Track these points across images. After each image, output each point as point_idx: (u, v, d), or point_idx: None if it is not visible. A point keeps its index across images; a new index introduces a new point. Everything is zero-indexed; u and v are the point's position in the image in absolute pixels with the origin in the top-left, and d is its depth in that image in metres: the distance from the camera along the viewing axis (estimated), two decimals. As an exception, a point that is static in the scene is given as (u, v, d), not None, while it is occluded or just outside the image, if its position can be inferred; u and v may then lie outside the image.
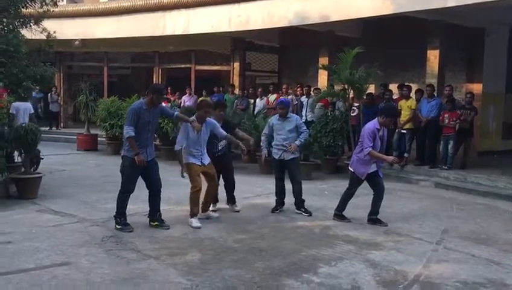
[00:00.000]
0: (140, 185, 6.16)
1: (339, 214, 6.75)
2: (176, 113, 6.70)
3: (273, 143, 7.22)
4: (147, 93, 6.17)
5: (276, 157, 7.16)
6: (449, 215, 7.27)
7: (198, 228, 6.23)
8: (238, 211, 7.21)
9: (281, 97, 12.87)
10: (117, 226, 6.03)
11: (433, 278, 4.74)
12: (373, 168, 6.53)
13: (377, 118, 6.55)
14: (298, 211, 7.09)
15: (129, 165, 5.99)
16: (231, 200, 7.33)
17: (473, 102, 10.35)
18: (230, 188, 7.32)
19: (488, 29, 11.76)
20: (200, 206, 6.63)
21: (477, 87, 11.90)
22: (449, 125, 9.83)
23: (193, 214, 6.41)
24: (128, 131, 5.87)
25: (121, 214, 6.06)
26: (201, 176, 6.59)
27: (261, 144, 7.39)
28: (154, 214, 6.24)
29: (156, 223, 6.20)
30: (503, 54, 12.18)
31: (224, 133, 6.80)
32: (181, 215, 6.72)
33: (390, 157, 6.83)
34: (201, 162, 6.56)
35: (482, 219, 7.16)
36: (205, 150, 6.66)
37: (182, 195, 6.80)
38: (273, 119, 7.31)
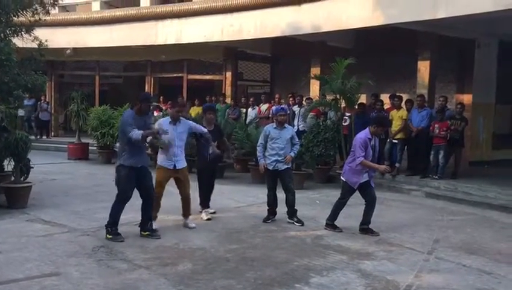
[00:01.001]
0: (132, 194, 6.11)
1: (331, 224, 6.75)
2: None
3: (266, 153, 7.18)
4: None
5: (270, 168, 7.12)
6: (440, 225, 7.30)
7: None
8: (214, 213, 7.42)
9: (275, 106, 12.94)
10: (108, 235, 5.97)
11: (425, 288, 4.75)
12: (365, 178, 6.55)
13: (368, 127, 6.59)
14: (290, 221, 7.09)
15: (125, 175, 5.95)
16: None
17: (463, 112, 10.43)
18: (210, 192, 7.51)
19: (478, 41, 11.89)
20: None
21: (467, 98, 12.01)
22: (439, 135, 9.90)
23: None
24: (137, 134, 5.74)
25: (112, 224, 6.01)
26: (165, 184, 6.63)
27: (258, 154, 7.31)
28: (146, 224, 6.19)
29: (147, 232, 6.16)
30: (493, 65, 12.31)
31: (204, 129, 6.85)
32: (172, 225, 6.70)
33: (382, 167, 6.86)
34: (174, 165, 6.52)
35: (473, 228, 7.19)
36: (182, 153, 6.62)
37: (173, 204, 6.78)
38: (269, 128, 7.25)
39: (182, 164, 6.61)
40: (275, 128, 7.17)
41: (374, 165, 6.53)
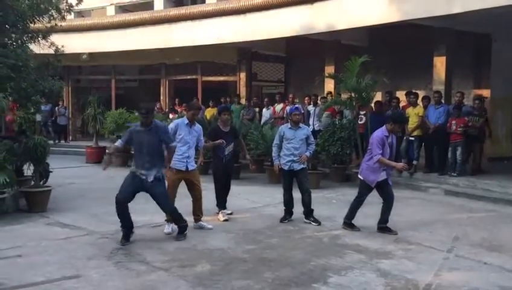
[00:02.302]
0: (147, 197, 6.14)
1: (348, 223, 6.71)
2: (173, 144, 6.26)
3: (281, 153, 7.18)
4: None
5: (286, 168, 7.11)
6: (460, 223, 7.20)
7: (169, 233, 6.38)
8: (230, 214, 7.44)
9: (289, 106, 12.89)
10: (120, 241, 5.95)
11: (445, 287, 4.69)
12: (383, 176, 6.49)
13: (385, 125, 6.53)
14: (307, 221, 7.07)
15: (126, 177, 6.04)
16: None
17: (481, 108, 10.28)
18: (226, 193, 7.54)
19: (495, 35, 11.73)
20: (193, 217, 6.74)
21: (485, 93, 11.84)
22: (456, 131, 9.77)
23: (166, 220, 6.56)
24: (115, 145, 6.09)
25: (122, 225, 5.97)
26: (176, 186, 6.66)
27: (273, 154, 7.31)
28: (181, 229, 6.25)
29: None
30: (510, 59, 12.11)
31: (203, 144, 6.94)
32: (189, 227, 6.71)
33: (400, 164, 6.79)
34: (186, 166, 6.56)
35: (493, 225, 7.08)
36: (193, 154, 6.70)
37: (189, 206, 6.79)
38: (284, 128, 7.25)
39: (193, 165, 6.68)
40: (289, 128, 7.16)
41: (391, 163, 6.48)
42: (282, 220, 7.13)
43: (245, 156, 8.12)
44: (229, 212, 7.49)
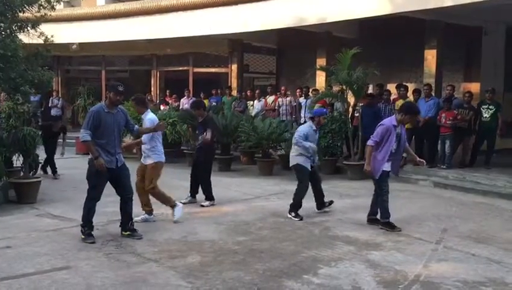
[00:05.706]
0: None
1: (387, 222, 6.41)
2: (136, 127, 6.24)
3: (303, 151, 6.99)
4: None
5: (309, 166, 7.08)
6: (448, 215, 7.27)
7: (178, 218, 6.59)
8: (212, 205, 7.56)
9: (288, 98, 12.93)
10: (82, 236, 5.74)
11: (433, 278, 4.74)
12: (387, 167, 6.35)
13: (394, 115, 6.47)
14: (322, 211, 7.22)
15: (95, 171, 5.64)
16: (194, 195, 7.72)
17: (471, 101, 10.34)
18: (195, 184, 7.68)
19: (486, 28, 11.77)
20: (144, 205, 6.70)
21: (475, 86, 11.91)
22: (445, 124, 9.83)
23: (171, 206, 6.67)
24: (83, 135, 5.55)
25: (86, 223, 5.74)
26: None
27: (306, 145, 6.93)
28: (126, 223, 5.93)
29: (127, 232, 5.89)
30: (501, 52, 12.18)
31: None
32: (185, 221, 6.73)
33: (368, 169, 6.35)
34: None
35: (481, 217, 7.16)
36: (147, 147, 6.61)
37: (179, 197, 6.79)
38: (308, 130, 7.05)
39: (145, 158, 6.66)
40: (314, 130, 7.10)
41: (368, 159, 6.32)
42: (301, 218, 6.83)
43: (210, 136, 7.83)
44: (206, 204, 7.52)
